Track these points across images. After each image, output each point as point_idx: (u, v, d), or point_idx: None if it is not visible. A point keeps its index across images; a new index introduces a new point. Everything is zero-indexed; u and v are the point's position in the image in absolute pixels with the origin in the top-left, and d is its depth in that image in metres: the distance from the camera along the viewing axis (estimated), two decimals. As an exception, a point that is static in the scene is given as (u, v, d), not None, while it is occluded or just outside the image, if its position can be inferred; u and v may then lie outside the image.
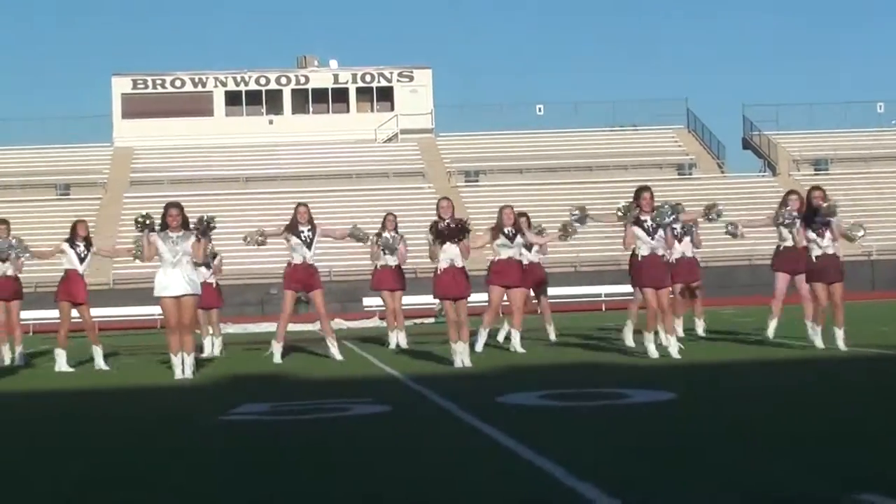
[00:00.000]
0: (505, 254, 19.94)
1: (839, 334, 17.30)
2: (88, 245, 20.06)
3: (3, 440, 10.84)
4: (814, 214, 17.94)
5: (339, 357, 19.28)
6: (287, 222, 20.06)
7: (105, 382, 17.11)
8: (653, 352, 16.94)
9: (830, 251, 17.82)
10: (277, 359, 19.38)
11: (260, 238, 20.65)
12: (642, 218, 17.48)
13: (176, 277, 16.36)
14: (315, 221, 20.04)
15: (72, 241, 19.78)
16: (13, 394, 16.13)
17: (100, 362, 19.69)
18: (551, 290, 25.48)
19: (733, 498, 6.43)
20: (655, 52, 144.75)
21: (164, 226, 16.53)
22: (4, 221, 21.92)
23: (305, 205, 20.43)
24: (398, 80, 76.59)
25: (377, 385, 14.83)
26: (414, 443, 9.40)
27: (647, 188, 17.83)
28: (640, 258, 17.37)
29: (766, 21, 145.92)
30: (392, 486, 7.33)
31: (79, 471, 8.45)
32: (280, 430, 10.51)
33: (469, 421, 10.41)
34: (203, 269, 20.35)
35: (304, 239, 19.77)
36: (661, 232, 17.41)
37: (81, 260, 19.83)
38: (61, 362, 19.43)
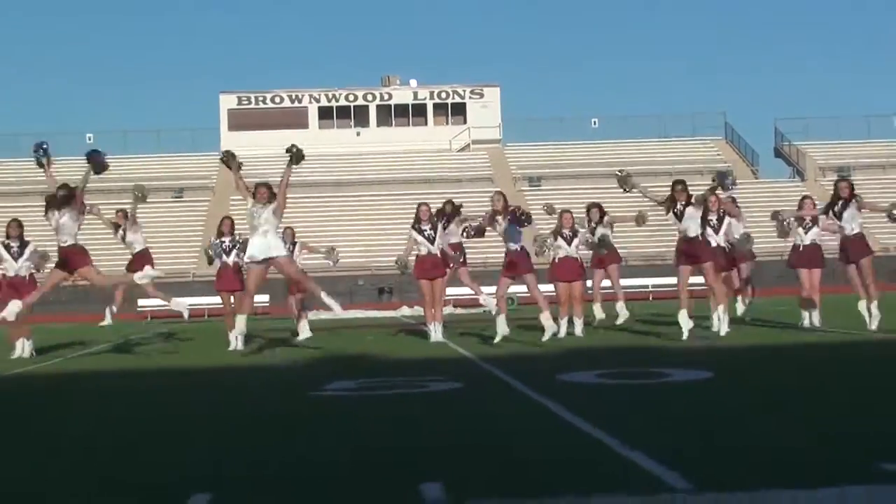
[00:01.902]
0: (563, 253, 20.05)
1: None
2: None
3: (142, 409, 10.97)
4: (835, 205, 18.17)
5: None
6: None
7: (217, 362, 17.22)
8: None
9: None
10: (440, 337, 19.43)
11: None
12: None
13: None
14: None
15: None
16: (146, 371, 16.30)
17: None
18: (603, 282, 25.26)
19: (765, 465, 6.41)
20: (696, 70, 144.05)
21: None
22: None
23: (427, 204, 20.54)
24: (470, 97, 76.54)
25: (451, 364, 14.82)
26: (482, 415, 9.43)
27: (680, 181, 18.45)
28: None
29: (797, 43, 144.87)
30: (460, 452, 7.37)
31: (202, 437, 8.58)
32: (365, 402, 10.58)
33: (532, 396, 10.41)
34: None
35: (426, 236, 19.83)
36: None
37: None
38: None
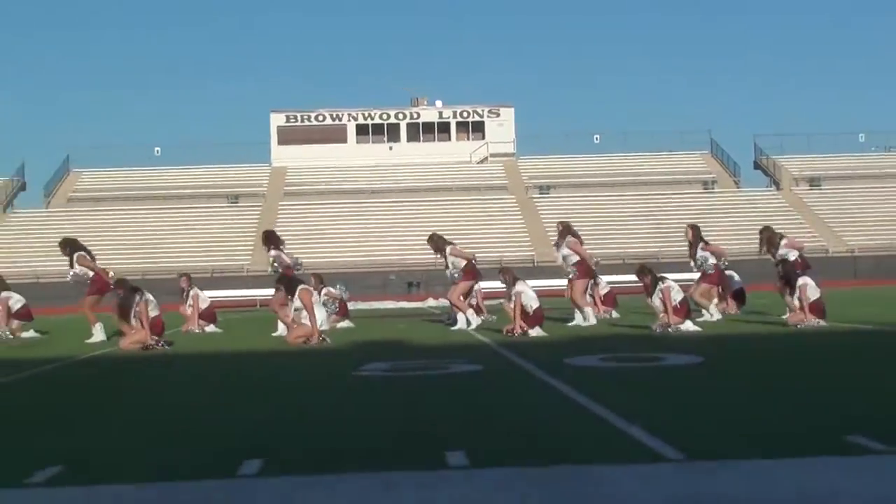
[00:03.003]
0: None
1: None
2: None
3: (201, 386, 11.02)
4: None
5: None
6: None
7: (266, 346, 17.25)
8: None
9: None
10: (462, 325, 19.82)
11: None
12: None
13: None
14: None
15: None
16: (206, 353, 16.33)
17: None
18: (606, 278, 25.26)
19: (750, 437, 6.37)
20: (685, 91, 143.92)
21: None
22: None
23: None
24: (488, 116, 76.68)
25: (473, 349, 14.80)
26: (499, 393, 9.42)
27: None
28: None
29: (774, 67, 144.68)
30: (480, 424, 7.35)
31: (254, 410, 8.58)
32: (397, 381, 10.57)
33: (543, 377, 10.39)
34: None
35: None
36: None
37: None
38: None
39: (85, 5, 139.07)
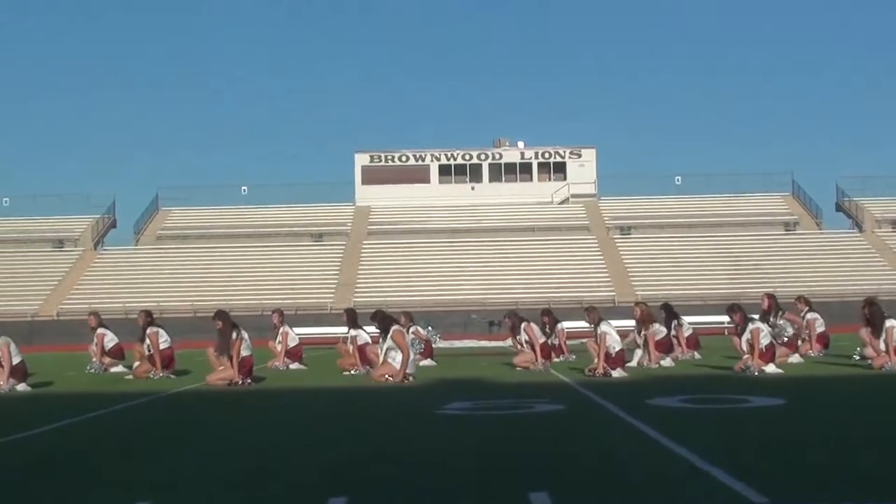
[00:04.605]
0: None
1: None
2: None
3: (290, 421, 11.10)
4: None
5: None
6: None
7: (353, 384, 17.33)
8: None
9: None
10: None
11: None
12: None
13: None
14: None
15: None
16: (292, 389, 16.45)
17: None
18: (689, 319, 25.06)
19: (831, 477, 6.31)
20: (768, 134, 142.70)
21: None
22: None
23: None
24: (570, 157, 76.49)
25: (555, 389, 14.75)
26: (582, 434, 9.39)
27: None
28: None
29: (854, 111, 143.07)
30: (563, 465, 7.35)
31: (340, 447, 8.64)
32: (480, 420, 10.57)
33: (625, 417, 10.35)
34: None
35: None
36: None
37: None
38: None
39: (174, 48, 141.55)
